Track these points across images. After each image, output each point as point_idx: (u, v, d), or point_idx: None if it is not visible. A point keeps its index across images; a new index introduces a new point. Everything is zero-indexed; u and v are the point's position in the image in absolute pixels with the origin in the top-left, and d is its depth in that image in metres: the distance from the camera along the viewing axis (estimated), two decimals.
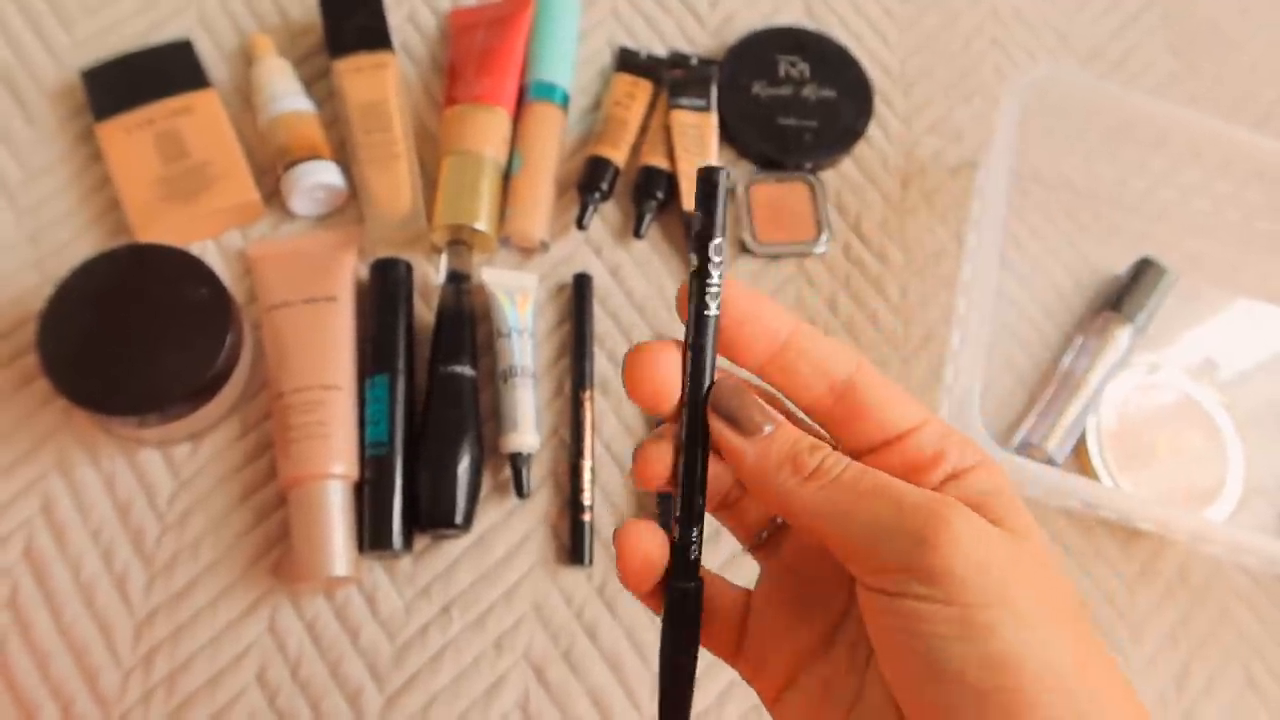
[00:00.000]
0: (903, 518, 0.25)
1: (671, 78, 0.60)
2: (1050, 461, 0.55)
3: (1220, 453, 0.57)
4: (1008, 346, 0.59)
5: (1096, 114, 0.58)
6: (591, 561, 0.51)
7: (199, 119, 0.56)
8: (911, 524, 0.24)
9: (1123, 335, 0.57)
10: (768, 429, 0.27)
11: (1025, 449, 0.55)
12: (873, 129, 0.63)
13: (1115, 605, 0.53)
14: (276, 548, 0.50)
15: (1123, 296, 0.58)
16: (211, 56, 0.60)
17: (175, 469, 0.51)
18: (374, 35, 0.58)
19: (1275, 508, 0.56)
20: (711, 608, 0.30)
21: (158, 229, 0.53)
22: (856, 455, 0.28)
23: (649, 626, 0.50)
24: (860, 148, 0.62)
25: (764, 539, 0.31)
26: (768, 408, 0.28)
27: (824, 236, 0.59)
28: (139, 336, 0.48)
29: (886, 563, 0.24)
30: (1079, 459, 0.56)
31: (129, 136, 0.55)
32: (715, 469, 0.28)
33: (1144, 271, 0.59)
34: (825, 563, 0.29)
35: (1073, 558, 0.54)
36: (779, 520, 0.31)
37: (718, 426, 0.27)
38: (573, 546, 0.51)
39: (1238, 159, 0.58)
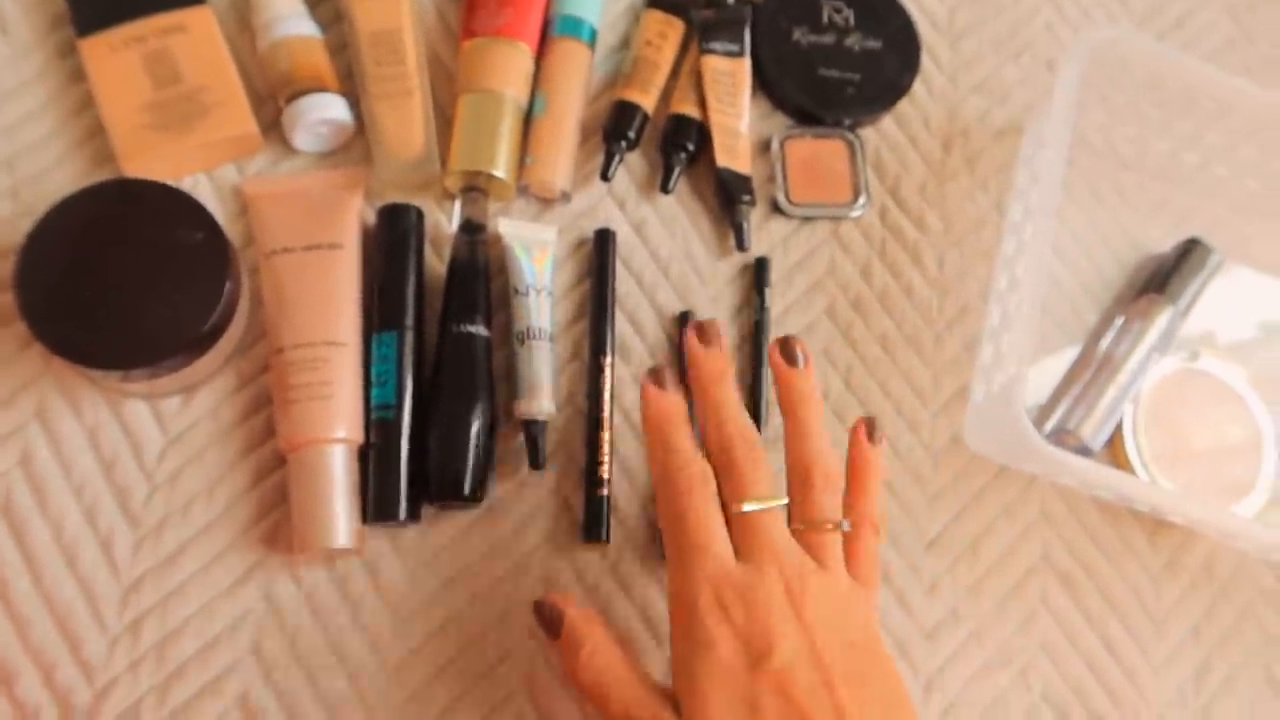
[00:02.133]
0: None
1: (702, 19, 0.56)
2: (1086, 450, 0.52)
3: (1256, 445, 0.55)
4: (1044, 324, 0.56)
5: (1155, 82, 0.55)
6: (609, 539, 0.48)
7: (193, 39, 0.51)
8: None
9: (1163, 318, 0.55)
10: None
11: (1060, 435, 0.53)
12: (917, 85, 0.59)
13: (1140, 598, 0.52)
14: (274, 512, 0.47)
15: (1168, 277, 0.56)
16: None
17: (165, 423, 0.47)
18: None
19: None
20: None
21: (146, 159, 0.49)
22: None
23: (663, 606, 0.48)
24: (903, 105, 0.58)
25: None
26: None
27: (861, 200, 0.55)
28: (127, 282, 0.44)
29: None
30: (1113, 447, 0.54)
31: (115, 55, 0.50)
32: None
33: (1190, 252, 0.56)
34: None
35: (1098, 547, 0.52)
36: None
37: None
38: (587, 523, 0.48)
39: None
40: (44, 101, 0.51)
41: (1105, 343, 0.55)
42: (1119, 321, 0.56)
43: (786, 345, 0.43)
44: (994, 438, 0.50)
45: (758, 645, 0.36)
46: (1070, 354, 0.56)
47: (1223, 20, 0.65)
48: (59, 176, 0.50)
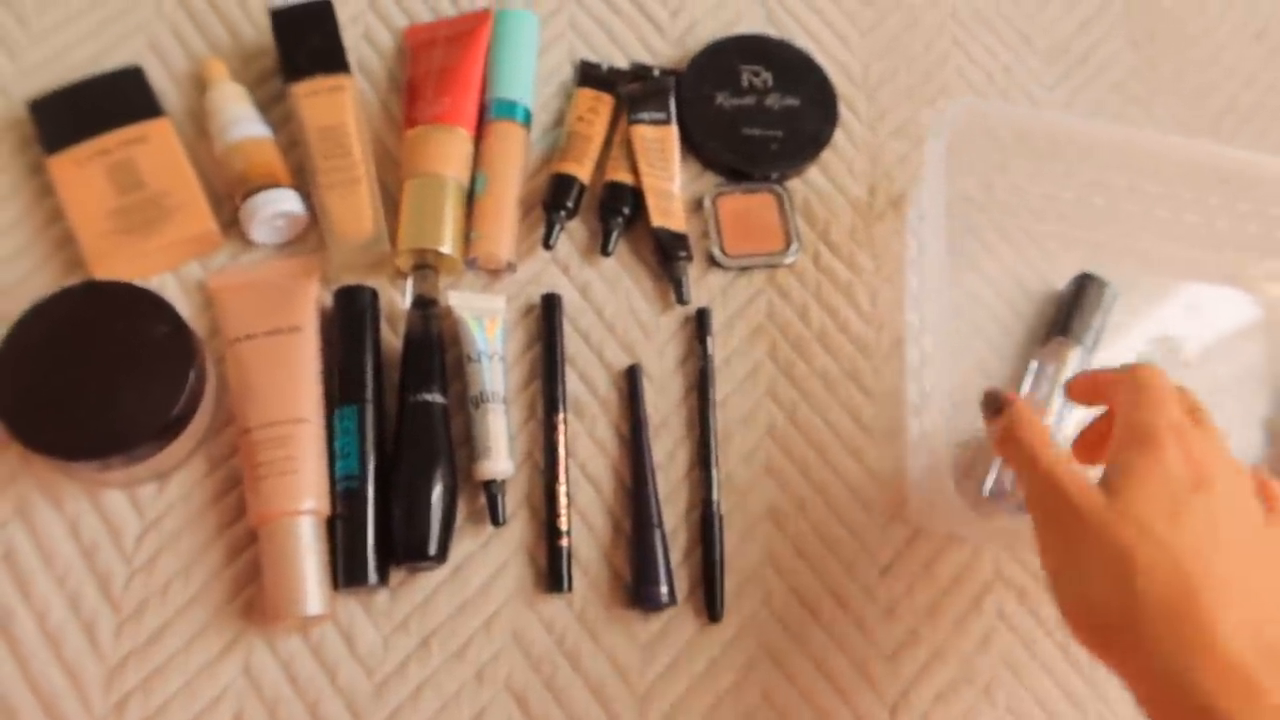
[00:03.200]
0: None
1: (629, 92, 0.60)
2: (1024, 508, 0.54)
3: None
4: (970, 371, 0.58)
5: (1020, 135, 0.58)
6: (571, 588, 0.50)
7: (153, 148, 0.54)
8: None
9: (1074, 358, 0.57)
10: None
11: (998, 497, 0.54)
12: (838, 136, 0.62)
13: None
14: (249, 587, 0.49)
15: (1069, 317, 0.58)
16: (163, 83, 0.58)
17: (141, 509, 0.50)
18: (329, 58, 0.57)
19: None
20: None
21: (114, 263, 0.52)
22: None
23: (632, 651, 0.50)
24: (826, 155, 0.62)
25: None
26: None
27: (793, 246, 0.59)
28: (98, 377, 0.47)
29: None
30: None
31: (81, 169, 0.53)
32: None
33: (1085, 288, 0.58)
34: None
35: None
36: None
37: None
38: (551, 573, 0.50)
39: (1163, 162, 0.59)
40: (17, 217, 0.54)
41: (1026, 386, 0.58)
42: (1034, 366, 0.58)
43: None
44: (938, 513, 0.52)
45: (1202, 471, 0.39)
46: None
47: (1125, 51, 0.69)
48: (33, 285, 0.53)
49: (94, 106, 0.55)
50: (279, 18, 0.58)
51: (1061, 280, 0.60)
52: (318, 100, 0.56)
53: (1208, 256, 0.62)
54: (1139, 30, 0.69)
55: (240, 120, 0.55)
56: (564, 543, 0.51)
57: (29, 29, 0.59)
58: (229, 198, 0.55)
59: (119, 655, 0.47)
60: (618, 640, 0.50)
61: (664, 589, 0.50)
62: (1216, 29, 0.70)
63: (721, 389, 0.55)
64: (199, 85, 0.58)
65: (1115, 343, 0.60)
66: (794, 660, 0.50)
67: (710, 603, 0.51)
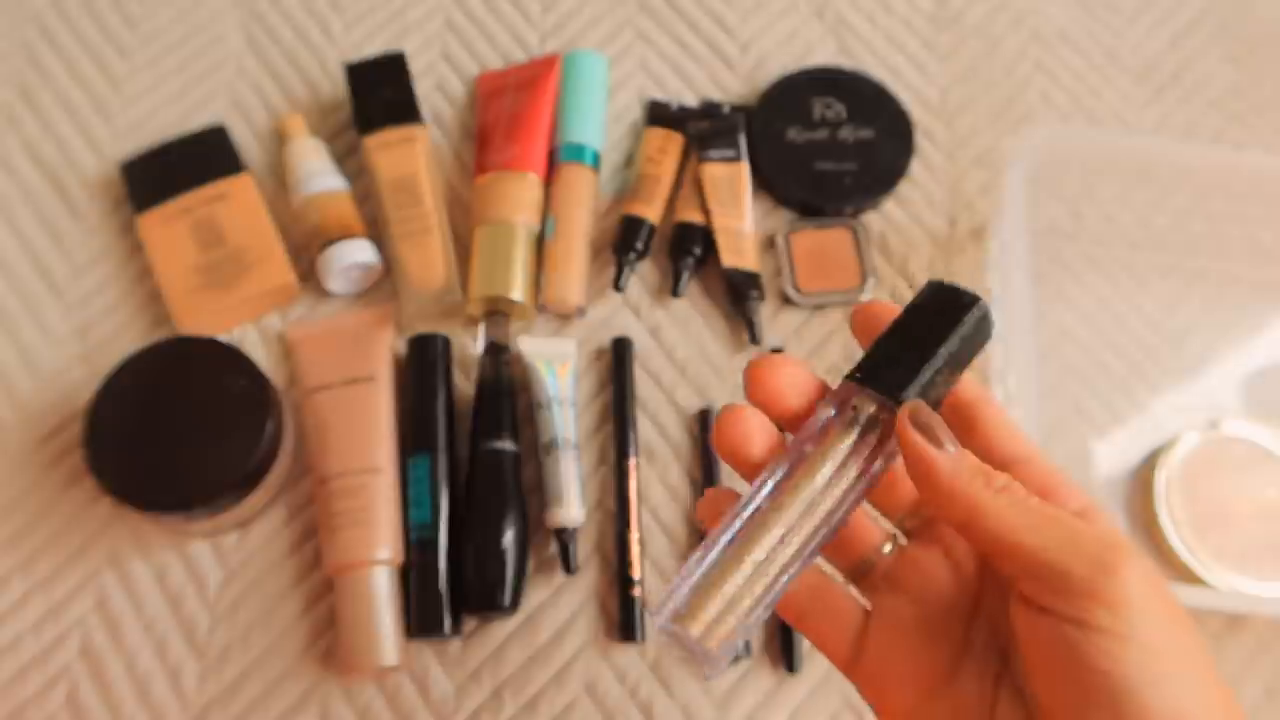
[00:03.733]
0: (1085, 543, 0.26)
1: (697, 130, 0.59)
2: None
3: None
4: (1061, 411, 0.56)
5: (1112, 159, 0.56)
6: (644, 637, 0.49)
7: (234, 204, 0.56)
8: (1094, 549, 0.26)
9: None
10: (951, 449, 0.28)
11: None
12: (915, 166, 0.60)
13: None
14: (326, 635, 0.49)
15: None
16: (245, 138, 0.60)
17: (223, 558, 0.51)
18: (402, 109, 0.58)
19: None
20: (829, 606, 0.31)
21: (198, 317, 0.54)
22: None
23: (706, 703, 0.48)
24: (903, 186, 0.60)
25: (867, 570, 0.33)
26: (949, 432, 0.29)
27: (869, 282, 0.57)
28: (181, 431, 0.48)
29: (1071, 584, 0.26)
30: (1152, 536, 0.53)
31: (167, 227, 0.55)
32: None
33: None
34: (944, 593, 0.31)
35: None
36: (888, 550, 0.32)
37: (914, 438, 0.28)
38: (623, 623, 0.49)
39: (1265, 182, 0.55)
40: (109, 274, 0.56)
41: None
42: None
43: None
44: None
45: None
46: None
47: (1222, 68, 0.65)
48: (124, 340, 0.55)
49: (179, 165, 0.57)
50: (354, 71, 0.59)
51: (1159, 311, 0.57)
52: (390, 152, 0.57)
53: None
54: (1237, 44, 0.66)
55: (316, 174, 0.57)
56: (636, 592, 0.50)
57: (122, 92, 0.61)
58: (306, 248, 0.56)
59: (202, 702, 0.48)
60: (692, 692, 0.49)
61: (740, 641, 0.49)
62: None
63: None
64: (279, 140, 0.59)
65: (1220, 372, 0.56)
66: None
67: (787, 653, 0.49)
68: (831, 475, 0.29)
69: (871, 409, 0.30)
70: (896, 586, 0.31)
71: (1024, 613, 0.27)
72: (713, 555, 0.29)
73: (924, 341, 0.30)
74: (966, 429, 0.30)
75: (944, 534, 0.32)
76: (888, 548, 0.33)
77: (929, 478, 0.28)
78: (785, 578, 0.29)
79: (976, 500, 0.27)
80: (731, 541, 0.29)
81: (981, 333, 0.30)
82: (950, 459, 0.28)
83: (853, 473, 0.30)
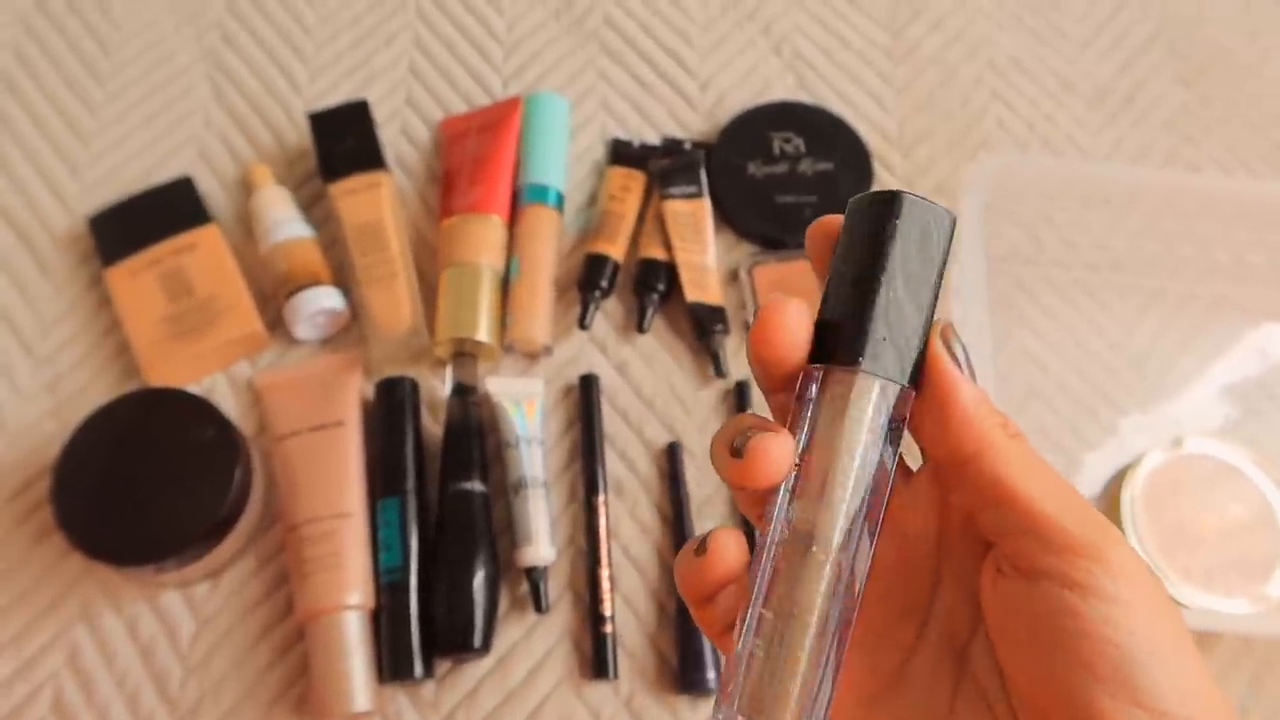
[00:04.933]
0: (1089, 510, 0.25)
1: (659, 167, 0.60)
2: None
3: (1267, 519, 0.53)
4: (1026, 434, 0.57)
5: (1067, 184, 0.57)
6: (617, 675, 0.49)
7: (202, 255, 0.56)
8: (1098, 517, 0.25)
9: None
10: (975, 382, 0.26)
11: None
12: None
13: None
14: (298, 683, 0.49)
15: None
16: (212, 188, 0.61)
17: (195, 608, 0.51)
18: (366, 156, 0.59)
19: None
20: None
21: (167, 368, 0.54)
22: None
23: None
24: None
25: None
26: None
27: None
28: (150, 482, 0.48)
29: (1075, 543, 0.24)
30: None
31: (135, 279, 0.56)
32: None
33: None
34: (911, 560, 0.28)
35: None
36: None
37: (943, 356, 0.25)
38: (596, 660, 0.50)
39: (1218, 202, 0.56)
40: (78, 327, 0.57)
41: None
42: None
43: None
44: None
45: None
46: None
47: (1174, 89, 0.66)
48: (93, 393, 0.55)
49: (147, 218, 0.57)
50: (318, 120, 0.60)
51: (1119, 331, 0.58)
52: (355, 199, 0.57)
53: (1276, 295, 0.59)
54: (1186, 66, 0.67)
55: (283, 222, 0.57)
56: (608, 629, 0.50)
57: (90, 147, 0.62)
58: (274, 296, 0.57)
59: None
60: None
61: (711, 674, 0.49)
62: (1271, 57, 0.68)
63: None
64: (245, 189, 0.60)
65: (1182, 389, 0.57)
66: None
67: None
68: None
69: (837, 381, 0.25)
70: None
71: (1006, 583, 0.25)
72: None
73: (863, 278, 0.24)
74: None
75: (923, 489, 0.28)
76: None
77: (951, 401, 0.25)
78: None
79: (991, 436, 0.25)
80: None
81: (927, 233, 0.24)
82: (975, 388, 0.26)
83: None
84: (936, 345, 0.25)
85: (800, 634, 0.24)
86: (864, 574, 0.25)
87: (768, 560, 0.25)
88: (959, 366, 0.25)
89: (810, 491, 0.25)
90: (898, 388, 0.25)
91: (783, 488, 0.25)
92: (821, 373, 0.25)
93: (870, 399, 0.24)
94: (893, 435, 0.25)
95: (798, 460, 0.25)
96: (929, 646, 0.28)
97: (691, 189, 0.59)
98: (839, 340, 0.24)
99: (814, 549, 0.25)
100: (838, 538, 0.25)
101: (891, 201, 0.24)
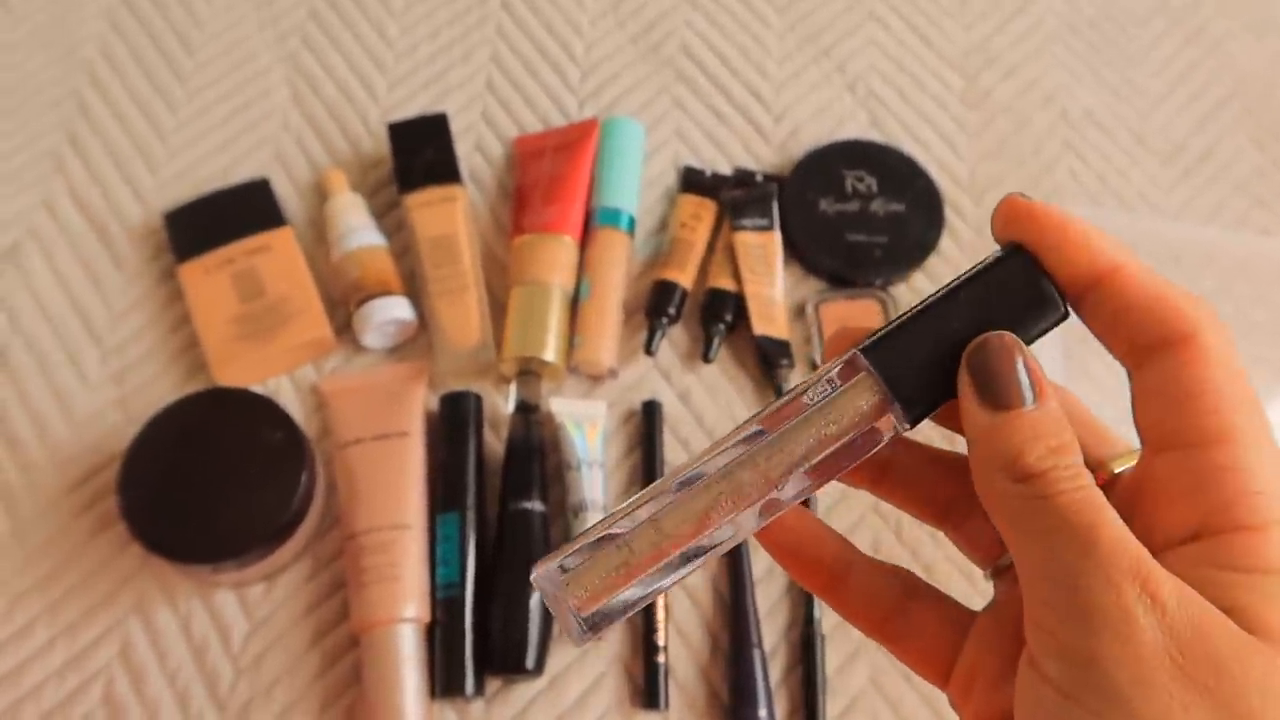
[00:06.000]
0: (1077, 596, 0.20)
1: (731, 198, 0.60)
2: None
3: None
4: None
5: (1136, 241, 0.57)
6: (668, 705, 0.49)
7: (275, 257, 0.57)
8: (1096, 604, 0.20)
9: None
10: (1029, 404, 0.22)
11: None
12: (944, 241, 0.61)
13: None
14: (348, 693, 0.49)
15: None
16: (287, 191, 0.61)
17: (249, 610, 0.51)
18: (442, 169, 0.59)
19: None
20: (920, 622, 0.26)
21: (234, 367, 0.54)
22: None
23: None
24: (933, 261, 0.61)
25: (1005, 565, 0.26)
26: (1042, 378, 0.23)
27: None
28: (216, 482, 0.49)
29: (1051, 643, 0.20)
30: None
31: (208, 277, 0.56)
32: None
33: None
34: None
35: None
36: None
37: (964, 383, 0.23)
38: (647, 689, 0.49)
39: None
40: (148, 320, 0.57)
41: None
42: None
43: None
44: None
45: None
46: None
47: (1247, 150, 0.66)
48: (159, 387, 0.55)
49: (222, 217, 0.58)
50: (396, 130, 0.60)
51: None
52: (430, 211, 0.58)
53: None
54: (1261, 128, 0.67)
55: (356, 230, 0.57)
56: (661, 659, 0.50)
57: (168, 143, 0.63)
58: (343, 303, 0.57)
59: None
60: None
61: (763, 712, 0.48)
62: None
63: (824, 501, 0.54)
64: (320, 194, 0.61)
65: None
66: None
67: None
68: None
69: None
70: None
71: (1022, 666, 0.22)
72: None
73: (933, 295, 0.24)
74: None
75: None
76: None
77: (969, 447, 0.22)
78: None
79: (983, 484, 0.22)
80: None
81: (1024, 300, 0.23)
82: (989, 422, 0.22)
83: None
84: (963, 375, 0.23)
85: (655, 554, 0.23)
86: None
87: (699, 485, 0.24)
88: (980, 394, 0.22)
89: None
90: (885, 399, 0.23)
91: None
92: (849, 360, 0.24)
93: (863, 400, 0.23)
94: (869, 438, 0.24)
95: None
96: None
97: (763, 221, 0.59)
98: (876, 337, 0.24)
99: (715, 486, 0.24)
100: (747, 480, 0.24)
101: (1014, 249, 0.23)
